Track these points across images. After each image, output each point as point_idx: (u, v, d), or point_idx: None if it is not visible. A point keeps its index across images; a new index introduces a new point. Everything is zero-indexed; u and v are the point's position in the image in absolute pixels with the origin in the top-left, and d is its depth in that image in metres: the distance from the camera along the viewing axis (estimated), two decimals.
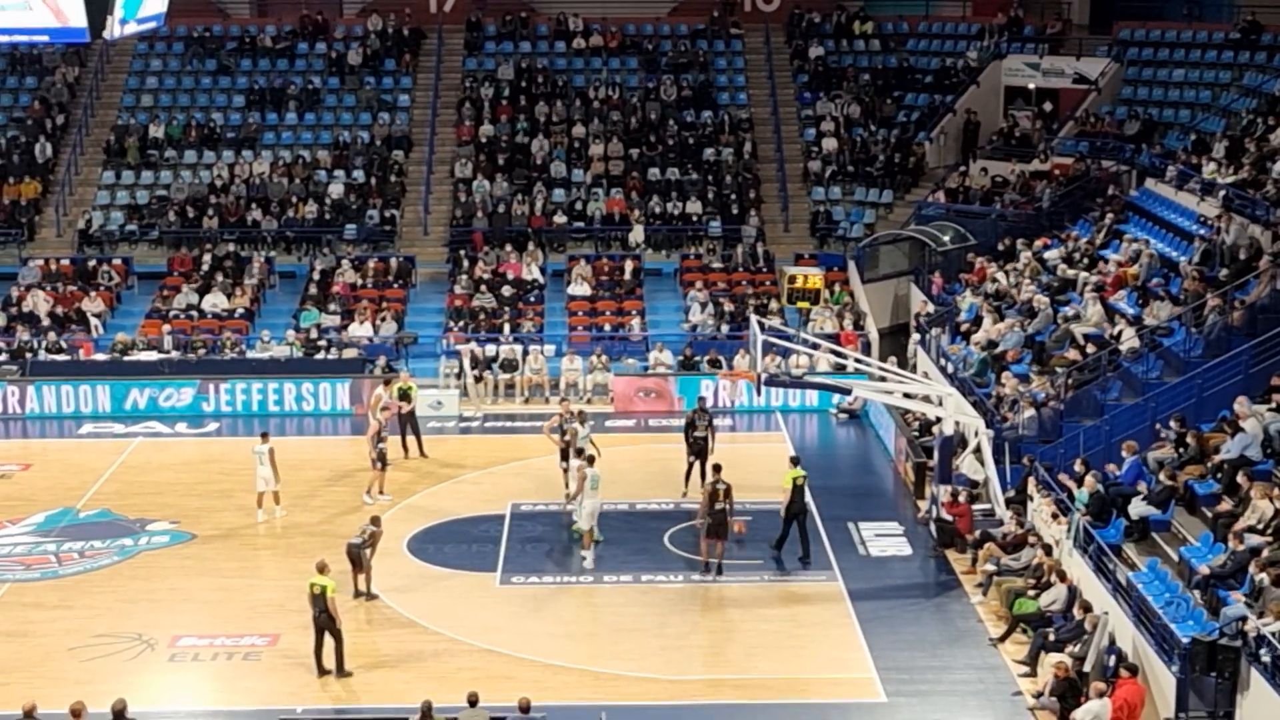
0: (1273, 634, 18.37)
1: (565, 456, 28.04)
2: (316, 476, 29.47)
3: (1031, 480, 25.90)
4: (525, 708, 18.07)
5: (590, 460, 25.40)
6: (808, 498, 25.44)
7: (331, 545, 24.51)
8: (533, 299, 39.18)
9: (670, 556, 25.41)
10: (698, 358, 35.70)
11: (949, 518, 25.81)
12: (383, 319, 37.39)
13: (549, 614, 23.22)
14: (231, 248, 40.62)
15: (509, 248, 40.57)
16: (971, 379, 30.59)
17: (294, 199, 42.05)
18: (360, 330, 36.84)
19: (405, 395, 30.62)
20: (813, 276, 38.39)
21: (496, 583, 24.47)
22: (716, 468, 24.68)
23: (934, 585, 24.61)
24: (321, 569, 21.17)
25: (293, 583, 23.45)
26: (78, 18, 18.51)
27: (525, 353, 35.97)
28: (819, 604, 23.54)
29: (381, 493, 28.11)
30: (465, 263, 39.90)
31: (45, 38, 19.36)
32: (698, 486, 28.10)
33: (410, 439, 30.80)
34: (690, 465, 28.30)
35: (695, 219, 41.83)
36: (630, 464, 28.60)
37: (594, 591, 24.13)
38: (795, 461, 25.91)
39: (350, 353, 35.70)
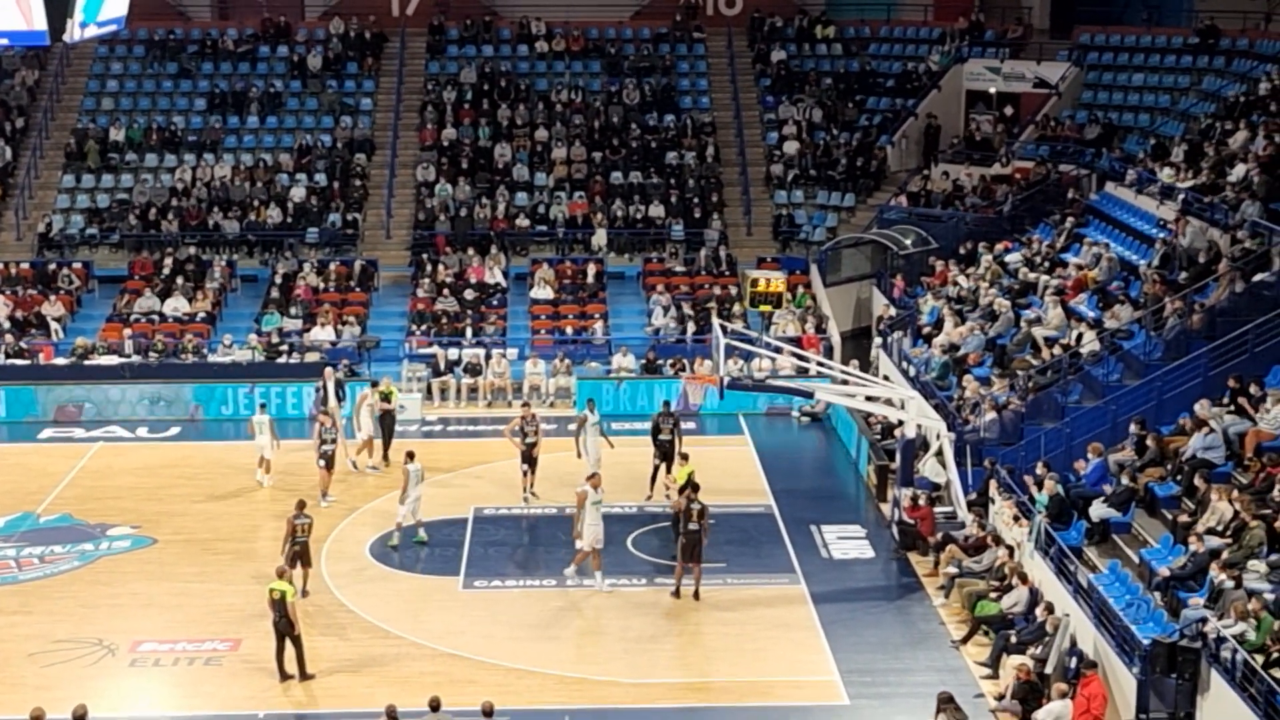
0: (1233, 635, 18.47)
1: (526, 459, 28.05)
2: (278, 481, 29.32)
3: (993, 483, 25.99)
4: (489, 712, 18.01)
5: (591, 478, 25.02)
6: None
7: None
8: (495, 302, 39.09)
9: (633, 560, 25.40)
10: (661, 361, 35.70)
11: (911, 520, 25.88)
12: (345, 322, 37.27)
13: (512, 618, 23.16)
14: (192, 251, 40.37)
15: (471, 251, 40.47)
16: (933, 382, 30.68)
17: (255, 202, 41.83)
18: (322, 334, 36.66)
19: (385, 398, 30.63)
20: (775, 280, 38.46)
21: (459, 586, 24.41)
22: (695, 486, 24.55)
23: (896, 588, 24.67)
24: (281, 574, 21.05)
25: (254, 587, 23.35)
26: (38, 20, 18.33)
27: (488, 356, 35.90)
28: (781, 607, 23.56)
29: (325, 495, 28.03)
30: (428, 266, 39.81)
31: (4, 40, 19.20)
32: (662, 491, 28.17)
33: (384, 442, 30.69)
34: (656, 468, 28.31)
35: (658, 222, 41.82)
36: (583, 465, 28.55)
37: (557, 595, 24.08)
38: (685, 458, 26.42)
39: (312, 356, 35.52)
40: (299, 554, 23.20)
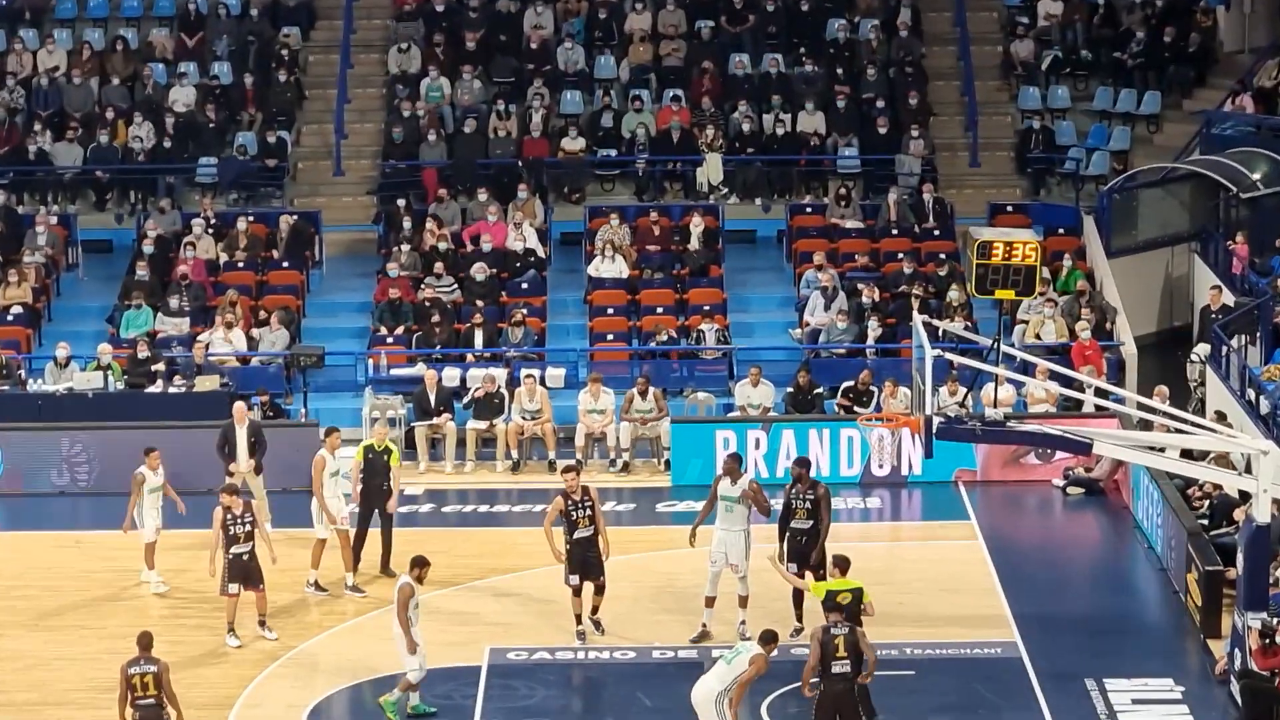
0: None
1: (578, 567, 27.86)
2: (153, 602, 29.60)
3: None
4: None
5: (769, 639, 24.58)
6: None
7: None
8: (526, 286, 39.39)
9: None
10: (821, 389, 35.76)
11: (1266, 671, 25.67)
12: (264, 323, 37.60)
13: None
14: (0, 199, 40.98)
15: (484, 196, 40.74)
16: None
17: (108, 112, 42.37)
18: (226, 342, 37.09)
19: (376, 457, 30.28)
20: (1022, 245, 38.29)
21: None
22: (839, 607, 24.38)
23: None
24: None
25: None
26: None
27: (513, 382, 36.05)
28: None
29: (263, 625, 28.22)
30: (406, 224, 40.14)
31: None
32: (816, 613, 28.09)
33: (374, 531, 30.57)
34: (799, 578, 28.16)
35: (813, 143, 41.98)
36: (693, 577, 28.56)
37: None
38: (844, 566, 25.56)
39: (208, 382, 35.76)
40: None
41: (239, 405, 32.49)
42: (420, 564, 25.78)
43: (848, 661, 23.52)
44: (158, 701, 23.33)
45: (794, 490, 28.05)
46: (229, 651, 27.85)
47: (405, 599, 25.41)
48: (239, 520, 28.17)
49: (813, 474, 28.54)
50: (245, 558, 28.05)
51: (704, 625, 27.94)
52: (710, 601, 27.95)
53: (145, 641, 23.68)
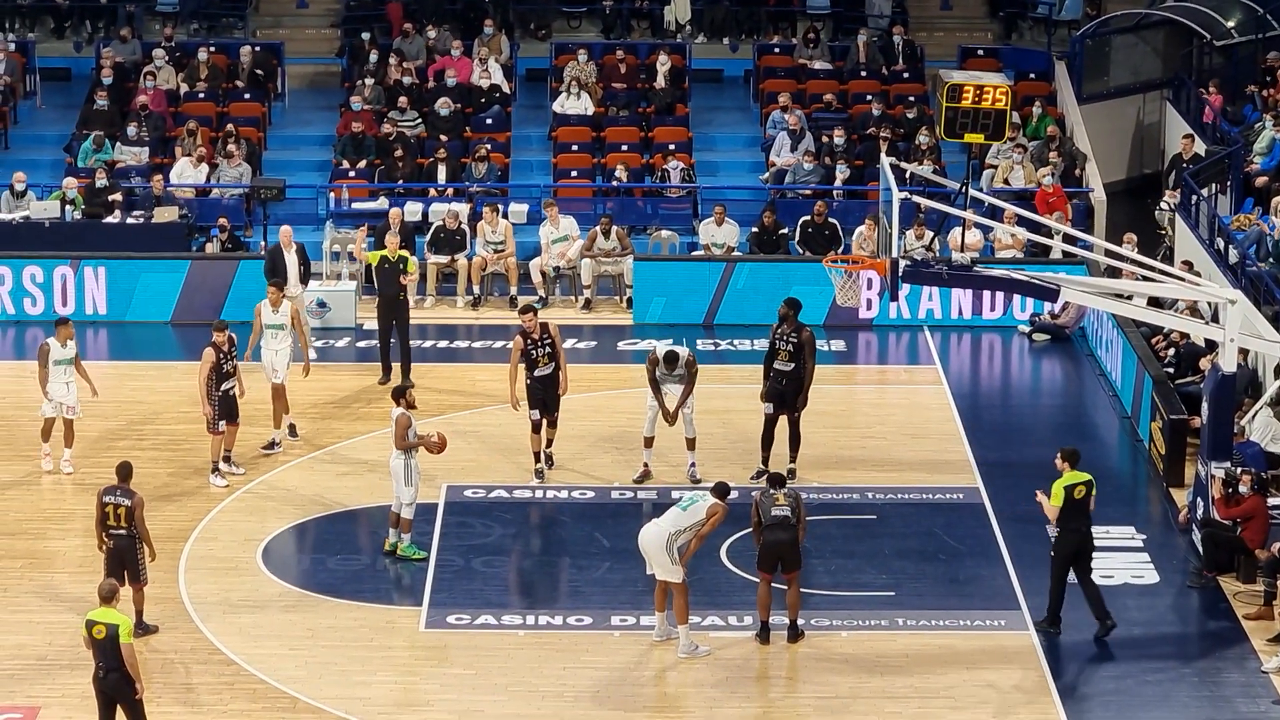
0: None
1: (538, 404, 27.85)
2: (105, 432, 29.54)
3: None
4: None
5: (723, 493, 23.85)
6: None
7: None
8: (490, 122, 39.26)
9: (730, 582, 25.39)
10: (786, 230, 35.67)
11: (1226, 521, 25.70)
12: (225, 155, 37.41)
13: (510, 680, 23.23)
14: None
15: (445, 30, 40.52)
16: (1272, 273, 30.42)
17: None
18: (186, 173, 36.87)
19: (394, 268, 30.82)
20: (992, 89, 38.15)
21: (421, 624, 24.53)
22: (791, 473, 24.26)
23: (1198, 638, 24.65)
24: (108, 596, 21.11)
25: (62, 618, 23.56)
26: None
27: (475, 217, 35.92)
28: (994, 668, 23.54)
29: (228, 462, 28.25)
30: (371, 57, 39.96)
31: None
32: (782, 459, 28.06)
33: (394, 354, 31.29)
34: (769, 421, 28.28)
35: None
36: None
37: (586, 642, 24.13)
38: (1073, 459, 24.55)
39: (167, 212, 35.64)
40: (114, 555, 23.40)
41: (285, 229, 32.67)
42: (401, 393, 25.93)
43: (786, 507, 23.45)
44: (129, 533, 23.31)
45: (779, 331, 28.12)
46: (187, 485, 27.85)
47: (404, 428, 25.53)
48: (229, 357, 28.14)
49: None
50: (232, 393, 28.08)
51: (645, 465, 28.28)
52: (649, 442, 28.19)
53: (123, 472, 23.68)
